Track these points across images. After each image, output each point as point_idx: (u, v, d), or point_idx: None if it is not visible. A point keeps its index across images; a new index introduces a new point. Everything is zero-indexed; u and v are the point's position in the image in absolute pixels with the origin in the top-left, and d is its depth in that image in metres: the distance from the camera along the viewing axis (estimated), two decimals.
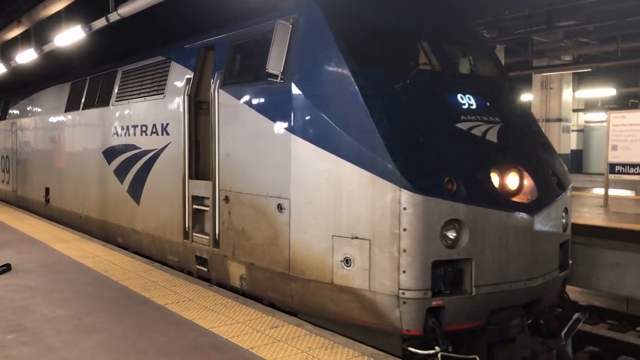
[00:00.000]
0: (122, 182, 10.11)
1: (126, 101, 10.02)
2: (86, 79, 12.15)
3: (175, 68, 8.67)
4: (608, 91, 27.63)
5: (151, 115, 9.15)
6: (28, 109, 15.88)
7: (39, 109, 14.92)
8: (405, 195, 5.35)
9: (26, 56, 14.24)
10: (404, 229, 5.35)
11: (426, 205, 5.35)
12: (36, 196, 15.03)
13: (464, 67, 7.12)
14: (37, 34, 14.19)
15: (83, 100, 12.01)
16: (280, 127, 6.39)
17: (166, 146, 8.71)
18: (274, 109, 6.47)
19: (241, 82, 7.09)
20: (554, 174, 6.61)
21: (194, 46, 8.32)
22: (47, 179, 14.20)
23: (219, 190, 7.47)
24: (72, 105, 12.62)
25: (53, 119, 13.72)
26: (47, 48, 12.75)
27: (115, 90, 10.53)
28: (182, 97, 8.28)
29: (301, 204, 6.15)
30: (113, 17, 10.24)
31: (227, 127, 7.29)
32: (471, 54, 7.35)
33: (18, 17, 12.66)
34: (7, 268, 8.09)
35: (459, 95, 6.37)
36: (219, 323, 5.74)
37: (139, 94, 9.63)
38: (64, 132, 12.96)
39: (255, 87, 6.79)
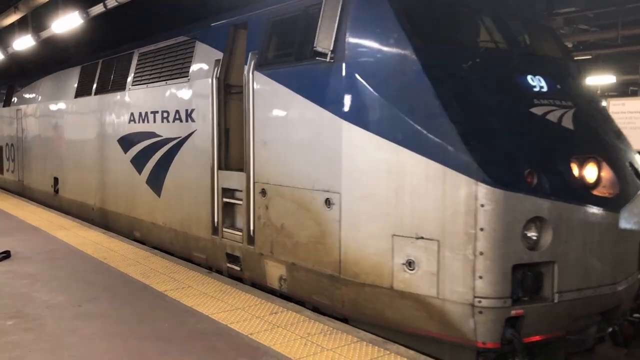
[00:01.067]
0: (140, 172, 9.44)
1: (144, 85, 9.31)
2: (98, 63, 11.43)
3: (201, 49, 7.96)
4: (608, 79, 26.97)
5: (174, 101, 8.45)
6: (34, 94, 15.15)
7: (46, 95, 14.19)
8: (484, 190, 4.67)
9: (25, 42, 13.75)
10: (481, 229, 4.69)
11: (508, 202, 4.68)
12: (44, 186, 14.36)
13: (528, 46, 6.41)
14: (35, 20, 13.92)
15: (95, 85, 11.29)
16: (329, 112, 5.70)
17: (191, 134, 8.03)
18: (322, 92, 5.77)
19: (281, 63, 6.39)
20: (631, 164, 5.93)
21: (223, 24, 7.61)
22: (55, 168, 13.52)
23: (254, 182, 6.80)
24: (82, 91, 11.90)
25: (62, 105, 13.01)
26: (45, 34, 12.46)
27: (132, 73, 9.82)
28: (209, 80, 7.58)
29: (354, 199, 5.47)
30: (110, 3, 10.15)
31: (264, 112, 6.60)
32: (533, 32, 6.64)
33: (15, 3, 12.42)
34: (6, 255, 8.03)
35: (529, 77, 5.67)
36: (218, 309, 5.75)
37: (159, 77, 8.92)
38: (74, 119, 12.26)
39: (299, 67, 6.08)
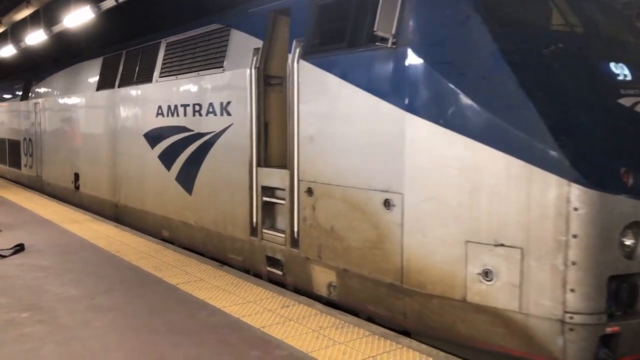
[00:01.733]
0: (169, 168, 8.95)
1: (173, 77, 8.80)
2: (121, 54, 10.94)
3: (238, 37, 7.43)
4: None
5: (207, 93, 7.94)
6: (53, 88, 14.72)
7: (66, 88, 13.75)
8: (577, 192, 4.11)
9: (37, 36, 13.76)
10: (574, 236, 4.13)
11: (605, 205, 4.12)
12: (63, 182, 13.94)
13: (604, 29, 5.81)
14: (46, 14, 13.90)
15: (119, 76, 10.81)
16: (389, 103, 5.15)
17: (227, 128, 7.51)
18: (381, 81, 5.22)
19: (331, 50, 5.84)
20: None
21: (263, 10, 7.06)
22: (76, 163, 13.09)
23: (298, 180, 6.27)
24: (105, 83, 11.43)
25: (83, 98, 12.56)
26: (57, 28, 12.37)
27: (159, 64, 9.31)
28: (248, 70, 7.05)
29: (420, 200, 4.93)
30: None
31: (311, 104, 6.07)
32: (606, 14, 6.04)
33: None
34: (20, 248, 8.06)
35: (611, 64, 5.09)
36: (230, 302, 5.74)
37: (190, 68, 8.41)
38: (97, 113, 11.79)
39: (353, 55, 5.53)
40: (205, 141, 7.98)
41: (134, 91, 10.10)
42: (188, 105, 8.39)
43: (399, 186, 5.08)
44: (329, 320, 5.27)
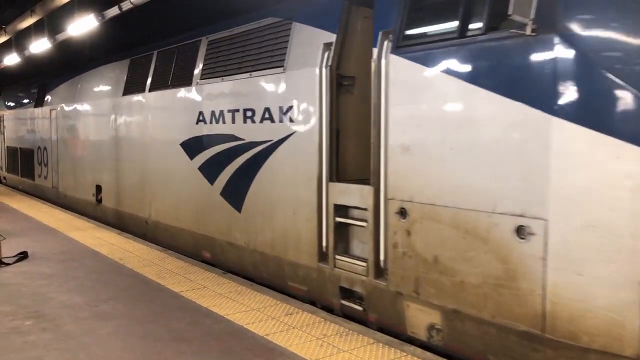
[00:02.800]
0: (212, 182, 7.92)
1: (218, 79, 7.78)
2: (152, 55, 9.94)
3: (302, 31, 6.41)
4: None
5: (261, 96, 6.92)
6: (72, 93, 13.73)
7: (87, 93, 12.76)
8: None
9: (41, 45, 13.37)
10: None
11: None
12: (83, 194, 12.93)
13: None
14: (51, 23, 13.71)
15: (149, 79, 9.80)
16: (526, 105, 4.11)
17: (288, 137, 6.48)
18: (514, 78, 4.18)
19: (435, 42, 4.80)
20: None
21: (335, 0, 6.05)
22: (98, 174, 12.08)
23: (386, 198, 5.23)
24: (133, 87, 10.43)
25: (106, 104, 11.56)
26: (60, 37, 12.49)
27: (200, 65, 8.30)
28: (316, 69, 6.03)
29: (573, 228, 3.88)
30: (126, 5, 9.71)
31: (406, 107, 5.03)
32: None
33: (31, 7, 12.37)
34: (24, 256, 8.02)
35: None
36: (234, 310, 5.73)
37: (239, 68, 7.39)
38: (123, 120, 10.79)
39: (470, 46, 4.49)
40: (260, 151, 6.95)
41: (168, 96, 9.09)
42: (237, 110, 7.37)
43: (540, 210, 4.02)
44: (332, 328, 5.21)
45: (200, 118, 8.20)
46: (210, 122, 7.95)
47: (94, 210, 12.37)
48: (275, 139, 6.68)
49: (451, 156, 4.64)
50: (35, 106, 16.66)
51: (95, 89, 12.26)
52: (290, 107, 6.43)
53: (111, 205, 11.44)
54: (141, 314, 5.63)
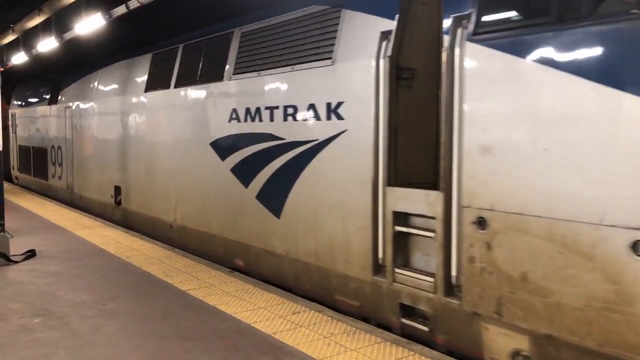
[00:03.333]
0: (246, 184, 7.33)
1: (254, 73, 7.19)
2: (177, 49, 9.36)
3: (353, 19, 5.80)
4: None
5: (306, 92, 6.32)
6: (89, 90, 13.18)
7: (104, 90, 12.20)
8: None
9: (48, 44, 13.22)
10: None
11: None
12: (100, 196, 12.38)
13: None
14: (58, 22, 13.63)
15: (175, 75, 9.22)
16: None
17: (337, 136, 5.88)
18: (632, 67, 3.56)
19: (525, 27, 4.19)
20: None
21: None
22: (117, 175, 11.52)
23: (461, 206, 4.63)
24: (156, 83, 9.85)
25: (126, 101, 10.99)
26: (68, 35, 12.47)
27: (233, 59, 7.71)
28: (372, 61, 5.43)
29: None
30: (133, 4, 9.62)
31: (487, 102, 4.42)
32: None
33: (39, 6, 12.28)
34: (31, 254, 8.03)
35: None
36: (241, 309, 5.70)
37: (279, 61, 6.79)
38: (145, 117, 10.22)
39: (574, 31, 3.87)
40: (303, 152, 6.36)
41: (196, 92, 8.51)
42: (276, 107, 6.77)
43: None
44: (340, 327, 5.17)
45: (233, 116, 7.61)
46: (245, 120, 7.36)
47: (112, 213, 11.82)
48: (322, 138, 6.08)
49: (545, 158, 4.02)
50: (49, 104, 16.13)
51: (114, 86, 11.69)
52: (340, 103, 5.83)
53: (131, 208, 10.88)
54: (148, 312, 5.60)
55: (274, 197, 6.86)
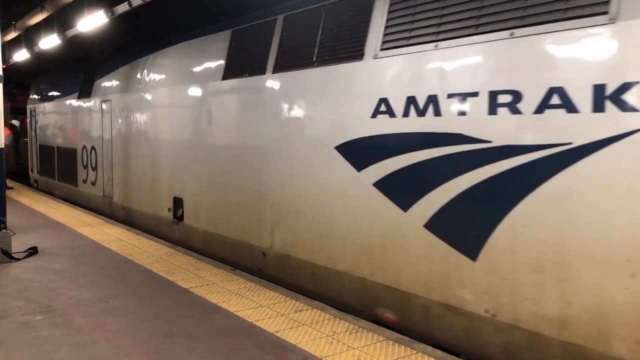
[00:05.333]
0: (404, 206, 5.13)
1: (429, 45, 4.94)
2: (274, 22, 7.12)
3: None
4: None
5: (544, 69, 4.08)
6: (133, 79, 10.94)
7: (158, 79, 9.96)
8: None
9: (50, 41, 13.16)
10: None
11: None
12: (152, 208, 10.16)
13: None
14: (60, 19, 13.63)
15: (273, 56, 6.98)
16: None
17: (619, 138, 3.64)
18: None
19: None
20: None
21: None
22: (177, 184, 9.30)
23: None
24: (241, 68, 7.63)
25: (192, 93, 8.77)
26: (70, 33, 12.50)
27: (379, 25, 5.47)
28: None
29: None
30: (136, 1, 9.41)
31: None
32: None
33: (41, 3, 12.27)
34: (34, 251, 7.98)
35: None
36: (243, 307, 5.65)
37: (481, 24, 4.56)
38: (224, 113, 7.98)
39: None
40: (533, 162, 4.12)
41: (312, 78, 6.29)
42: (474, 94, 4.54)
43: None
44: (342, 325, 5.11)
45: (382, 108, 5.38)
46: (405, 115, 5.13)
47: (168, 229, 9.61)
48: (581, 142, 3.83)
49: None
50: (79, 97, 13.90)
51: (172, 74, 9.46)
52: (629, 85, 3.59)
53: (200, 226, 8.65)
54: (151, 310, 5.58)
55: (463, 228, 4.63)
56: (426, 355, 4.46)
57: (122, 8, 9.86)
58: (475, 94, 4.53)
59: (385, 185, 5.36)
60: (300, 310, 5.52)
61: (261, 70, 7.15)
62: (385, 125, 5.35)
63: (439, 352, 4.55)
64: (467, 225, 4.61)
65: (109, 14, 10.21)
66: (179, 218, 9.27)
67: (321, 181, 6.16)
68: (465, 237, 4.63)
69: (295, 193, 6.57)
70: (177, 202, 9.30)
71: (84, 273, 6.95)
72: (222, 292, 6.15)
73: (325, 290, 6.19)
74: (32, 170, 18.53)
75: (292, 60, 6.66)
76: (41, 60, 17.50)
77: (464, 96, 4.61)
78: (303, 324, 5.14)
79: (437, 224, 4.87)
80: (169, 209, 9.52)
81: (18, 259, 7.62)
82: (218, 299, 5.89)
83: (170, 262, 7.53)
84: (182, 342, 4.73)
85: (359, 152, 5.65)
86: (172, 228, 9.50)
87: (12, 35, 16.28)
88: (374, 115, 5.48)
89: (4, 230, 7.74)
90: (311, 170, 6.30)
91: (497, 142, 4.38)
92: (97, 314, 5.44)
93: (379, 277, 5.49)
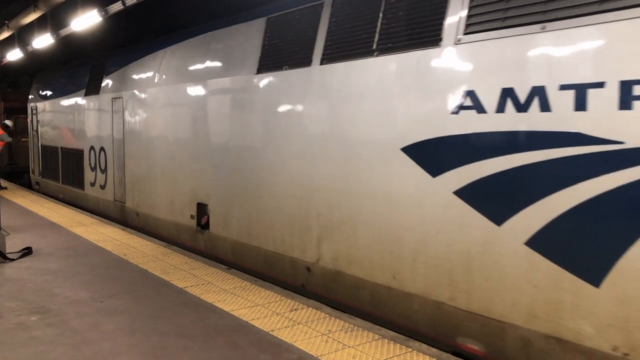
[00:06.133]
0: (498, 220, 4.34)
1: (535, 26, 4.14)
2: (320, 6, 6.30)
3: None
4: None
5: None
6: (149, 74, 10.10)
7: (178, 74, 9.12)
8: None
9: (44, 40, 13.15)
10: None
11: None
12: (171, 214, 9.32)
13: None
14: (53, 18, 13.44)
15: (320, 45, 6.17)
16: None
17: None
18: None
19: None
20: None
21: None
22: (201, 188, 8.47)
23: None
24: (279, 60, 6.82)
25: (218, 88, 7.95)
26: (63, 32, 12.50)
27: (461, 4, 4.67)
28: None
29: None
30: (130, 0, 9.28)
31: None
32: None
33: (34, 2, 12.10)
34: (28, 251, 7.94)
35: None
36: (238, 306, 5.65)
37: None
38: (259, 109, 7.16)
39: None
40: None
41: (371, 68, 5.47)
42: (598, 85, 3.73)
43: None
44: (338, 324, 5.10)
45: (467, 103, 4.57)
46: (500, 110, 4.32)
47: (191, 238, 8.78)
48: None
49: None
50: (87, 94, 13.04)
51: (197, 67, 8.62)
52: None
53: (229, 235, 7.81)
54: (146, 310, 5.53)
55: (581, 247, 3.83)
56: (421, 354, 4.45)
57: (116, 7, 9.71)
58: (600, 84, 3.72)
59: (471, 193, 4.55)
60: (295, 309, 5.52)
61: (305, 62, 6.33)
62: (471, 123, 4.54)
63: (434, 350, 4.51)
64: (586, 244, 3.81)
65: (102, 13, 10.10)
66: (204, 226, 8.44)
67: (384, 188, 5.35)
68: (584, 257, 3.83)
69: (350, 201, 5.75)
70: (202, 209, 8.47)
71: (79, 273, 6.92)
72: (218, 291, 6.14)
73: (389, 314, 5.39)
74: (33, 172, 17.65)
75: (344, 49, 5.84)
76: (35, 59, 17.20)
77: (584, 88, 3.81)
78: (298, 323, 5.15)
79: (543, 241, 4.06)
80: (192, 216, 8.69)
81: (12, 260, 7.55)
82: (213, 298, 5.90)
83: (165, 261, 7.50)
84: (178, 342, 4.72)
85: (435, 155, 4.84)
86: (195, 237, 8.67)
87: (5, 34, 15.91)
88: (455, 111, 4.67)
89: None
90: (371, 175, 5.49)
91: (631, 143, 3.57)
92: (92, 314, 5.42)
93: (462, 301, 4.69)
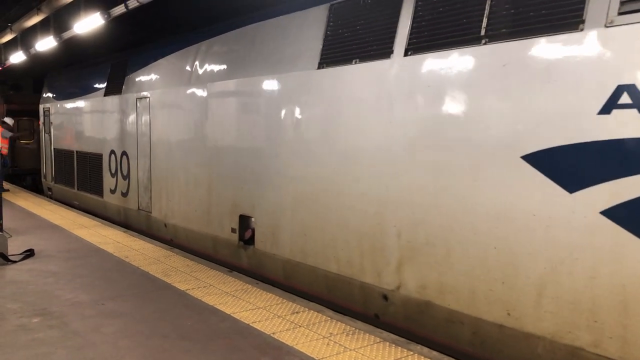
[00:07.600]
0: None
1: None
2: None
3: None
4: None
5: None
6: (180, 72, 9.16)
7: (217, 70, 8.17)
8: None
9: (47, 43, 13.05)
10: None
11: None
12: (207, 227, 8.37)
13: None
14: (56, 21, 13.35)
15: (405, 33, 5.22)
16: None
17: None
18: None
19: None
20: None
21: None
22: (245, 199, 7.50)
23: None
24: (344, 53, 5.89)
25: (279, 84, 6.99)
26: (66, 35, 12.33)
27: None
28: None
29: None
30: (132, 3, 8.88)
31: None
32: None
33: (37, 5, 12.12)
34: (30, 253, 7.95)
35: None
36: (240, 308, 5.62)
37: None
38: (322, 111, 6.19)
39: None
40: None
41: (478, 59, 4.54)
42: None
43: None
44: (339, 327, 5.08)
45: (624, 100, 3.64)
46: None
47: (231, 254, 7.83)
48: None
49: None
50: (106, 94, 12.13)
51: (241, 63, 7.65)
52: None
53: (280, 252, 6.86)
54: (147, 312, 5.51)
55: None
56: (422, 357, 4.42)
57: (119, 10, 9.49)
58: None
59: (629, 214, 3.60)
60: (297, 312, 5.49)
61: (383, 54, 5.39)
62: (630, 125, 3.59)
63: (435, 353, 4.49)
64: None
65: (105, 16, 9.92)
66: (247, 241, 7.49)
67: (495, 203, 4.40)
68: None
69: (443, 217, 4.81)
70: (245, 222, 7.53)
71: (80, 275, 6.92)
72: (219, 294, 6.12)
73: (498, 357, 4.43)
74: (45, 177, 16.74)
75: (438, 37, 4.90)
76: (38, 62, 16.83)
77: None
78: (300, 326, 5.12)
79: None
80: (233, 229, 7.74)
81: (14, 262, 7.57)
82: (215, 300, 5.87)
83: (166, 264, 7.48)
84: (179, 344, 4.71)
85: (573, 165, 3.90)
86: (237, 253, 7.72)
87: (8, 37, 15.81)
88: (605, 111, 3.72)
89: (0, 233, 7.64)
90: (476, 188, 4.54)
91: None
92: (93, 316, 5.41)
93: (612, 349, 3.74)
